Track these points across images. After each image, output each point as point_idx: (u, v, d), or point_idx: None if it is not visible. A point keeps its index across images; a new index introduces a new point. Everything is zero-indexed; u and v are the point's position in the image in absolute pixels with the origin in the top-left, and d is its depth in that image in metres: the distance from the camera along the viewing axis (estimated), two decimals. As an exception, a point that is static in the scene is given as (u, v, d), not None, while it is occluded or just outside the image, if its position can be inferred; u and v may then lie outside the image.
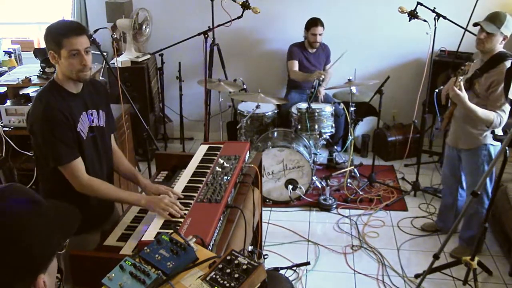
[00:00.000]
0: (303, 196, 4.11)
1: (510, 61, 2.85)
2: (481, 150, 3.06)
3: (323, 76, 4.31)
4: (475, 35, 3.04)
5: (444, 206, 3.59)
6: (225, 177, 2.24)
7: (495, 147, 3.05)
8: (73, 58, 2.00)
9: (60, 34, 1.99)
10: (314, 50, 4.73)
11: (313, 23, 4.56)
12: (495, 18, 2.86)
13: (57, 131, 2.00)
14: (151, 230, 1.91)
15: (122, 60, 4.55)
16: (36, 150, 2.13)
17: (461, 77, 2.82)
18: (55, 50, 2.01)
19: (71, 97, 2.09)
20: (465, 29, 4.08)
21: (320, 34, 4.58)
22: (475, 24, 2.94)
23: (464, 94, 2.84)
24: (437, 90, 3.24)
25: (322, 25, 4.57)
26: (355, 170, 4.43)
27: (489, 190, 3.14)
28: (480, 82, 2.94)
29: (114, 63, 4.20)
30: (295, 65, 4.70)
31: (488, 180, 3.11)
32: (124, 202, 2.28)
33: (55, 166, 2.04)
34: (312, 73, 4.52)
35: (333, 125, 4.32)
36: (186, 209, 2.04)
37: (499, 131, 2.99)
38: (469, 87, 2.99)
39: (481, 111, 2.86)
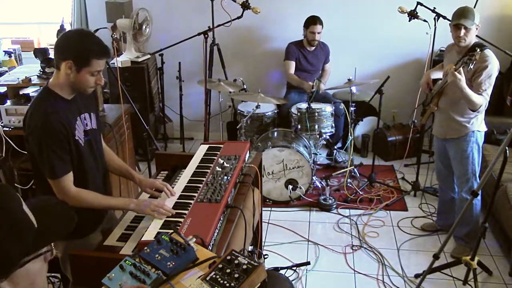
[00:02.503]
0: (303, 196, 4.11)
1: (488, 49, 2.99)
2: (469, 137, 3.15)
3: (313, 89, 4.30)
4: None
5: (443, 202, 3.59)
6: (225, 177, 2.24)
7: (481, 133, 3.18)
8: (91, 76, 2.00)
9: (93, 53, 1.96)
10: (313, 48, 4.73)
11: (312, 21, 4.57)
12: (468, 13, 2.97)
13: (54, 144, 1.97)
14: (151, 230, 1.91)
15: (122, 60, 4.55)
16: (31, 157, 2.09)
17: (471, 65, 2.87)
18: (77, 63, 1.96)
19: (66, 103, 2.07)
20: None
21: (319, 33, 4.58)
22: (456, 24, 2.99)
23: (463, 78, 2.89)
24: (430, 88, 3.27)
25: (321, 23, 4.57)
26: (355, 170, 4.43)
27: (477, 175, 3.22)
28: (463, 72, 2.98)
29: (114, 63, 4.20)
30: (291, 67, 4.72)
31: (477, 166, 3.19)
32: (113, 208, 2.28)
33: (48, 178, 2.02)
34: (304, 83, 4.56)
35: (333, 125, 4.32)
36: (185, 209, 2.04)
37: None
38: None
39: (475, 95, 2.95)
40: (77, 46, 1.98)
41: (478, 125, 3.13)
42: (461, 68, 2.89)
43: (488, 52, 2.97)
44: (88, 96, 2.20)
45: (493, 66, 2.93)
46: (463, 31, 2.97)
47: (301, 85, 4.62)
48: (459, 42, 3.03)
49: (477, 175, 3.22)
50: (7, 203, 1.03)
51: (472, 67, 2.87)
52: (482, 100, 2.95)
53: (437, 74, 3.35)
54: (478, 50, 2.85)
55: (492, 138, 3.94)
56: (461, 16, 2.97)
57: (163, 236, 1.61)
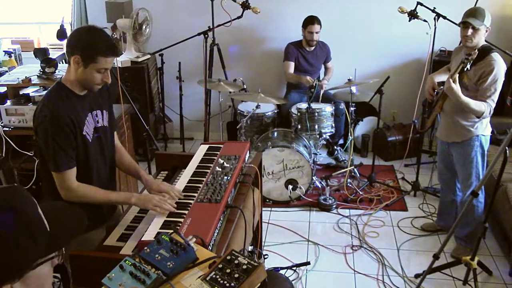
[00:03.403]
0: (303, 196, 4.11)
1: (495, 52, 2.94)
2: (473, 141, 3.11)
3: (311, 82, 4.31)
4: None
5: (443, 204, 3.58)
6: (225, 177, 2.24)
7: (486, 137, 3.13)
8: (98, 73, 2.03)
9: (100, 50, 1.99)
10: (312, 48, 4.73)
11: (310, 21, 4.56)
12: (477, 13, 2.93)
13: (60, 138, 2.00)
14: (151, 230, 1.92)
15: (122, 60, 4.55)
16: (38, 150, 2.13)
17: (468, 66, 2.84)
18: (84, 59, 1.99)
19: (77, 99, 2.10)
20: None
21: (317, 32, 4.58)
22: (464, 22, 2.96)
23: (458, 87, 2.89)
24: (436, 91, 3.25)
25: (319, 23, 4.56)
26: (355, 170, 4.43)
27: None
28: (469, 75, 2.98)
29: (114, 63, 4.19)
30: (290, 67, 4.71)
31: (480, 169, 3.16)
32: (115, 203, 2.28)
33: (52, 170, 2.05)
34: (302, 77, 4.56)
35: (333, 125, 4.32)
36: (185, 209, 2.04)
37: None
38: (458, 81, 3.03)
39: (473, 103, 2.91)
40: (85, 41, 2.01)
41: (482, 129, 3.09)
42: (456, 76, 2.87)
43: (495, 56, 2.92)
44: (102, 94, 2.24)
45: (499, 70, 2.89)
46: (470, 30, 2.92)
47: (300, 81, 4.60)
48: (466, 41, 2.98)
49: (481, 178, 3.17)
50: (22, 204, 1.04)
51: (469, 67, 2.84)
52: (483, 107, 2.91)
53: (442, 78, 3.28)
54: (476, 50, 2.82)
55: (492, 138, 3.92)
56: (469, 15, 2.93)
57: (163, 236, 1.60)
